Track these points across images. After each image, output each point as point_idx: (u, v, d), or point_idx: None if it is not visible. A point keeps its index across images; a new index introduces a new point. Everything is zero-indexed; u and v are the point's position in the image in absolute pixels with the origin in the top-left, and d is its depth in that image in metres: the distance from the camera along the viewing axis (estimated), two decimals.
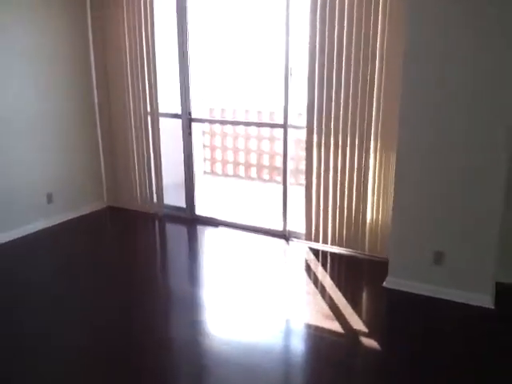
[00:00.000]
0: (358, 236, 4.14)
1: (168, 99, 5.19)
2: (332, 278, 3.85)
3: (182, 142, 5.08)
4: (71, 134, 5.04)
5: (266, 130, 7.08)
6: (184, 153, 5.09)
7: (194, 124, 5.07)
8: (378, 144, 3.89)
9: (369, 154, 3.94)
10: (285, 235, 4.61)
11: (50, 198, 4.86)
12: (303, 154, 4.35)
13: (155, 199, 5.24)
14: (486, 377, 2.66)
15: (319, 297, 3.51)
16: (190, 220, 5.15)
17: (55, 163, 4.90)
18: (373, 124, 3.86)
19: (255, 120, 6.88)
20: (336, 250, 4.27)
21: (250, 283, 3.74)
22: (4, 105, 4.35)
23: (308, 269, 4.01)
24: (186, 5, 4.69)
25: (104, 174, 5.49)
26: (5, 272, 3.96)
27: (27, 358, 2.80)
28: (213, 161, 7.71)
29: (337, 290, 3.60)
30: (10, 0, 4.28)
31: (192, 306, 3.43)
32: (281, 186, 4.63)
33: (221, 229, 4.90)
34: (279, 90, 4.35)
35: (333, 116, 3.99)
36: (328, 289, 3.63)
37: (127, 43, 4.91)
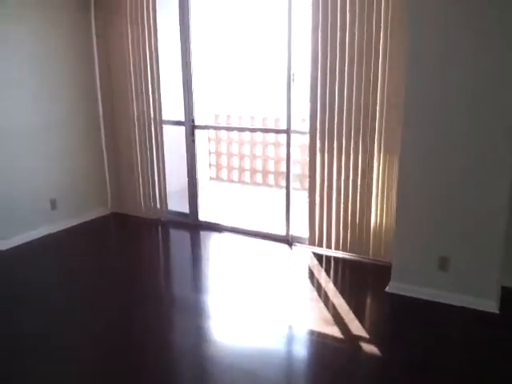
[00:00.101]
0: (362, 240, 4.11)
1: (171, 106, 5.20)
2: (335, 283, 3.81)
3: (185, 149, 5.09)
4: (75, 141, 5.07)
5: (271, 136, 7.08)
6: (187, 159, 5.10)
7: (197, 131, 5.08)
8: (382, 148, 3.86)
9: (372, 158, 3.91)
10: (288, 240, 4.59)
11: (53, 204, 4.88)
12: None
13: (159, 205, 5.24)
14: (487, 382, 2.61)
15: (322, 302, 3.48)
16: (194, 226, 5.14)
17: (59, 169, 4.92)
18: (376, 129, 3.84)
19: (260, 126, 6.88)
20: (340, 254, 4.24)
21: (252, 289, 3.72)
22: (8, 112, 4.38)
23: (311, 274, 3.98)
24: (188, 12, 4.72)
25: (108, 180, 5.51)
26: (7, 275, 3.98)
27: (27, 358, 2.81)
28: (218, 167, 7.73)
29: (339, 295, 3.56)
30: (12, 12, 4.33)
31: (195, 311, 3.42)
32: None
33: (224, 234, 4.89)
34: (283, 96, 4.35)
35: (336, 121, 3.98)
36: (331, 294, 3.59)
37: (130, 51, 4.94)
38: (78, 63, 5.01)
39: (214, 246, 4.82)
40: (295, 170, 5.83)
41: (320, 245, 4.33)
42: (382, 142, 3.84)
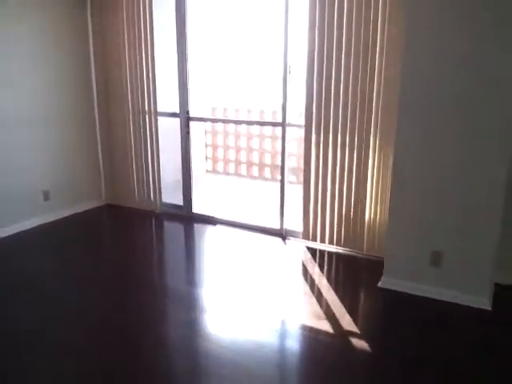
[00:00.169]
0: (356, 235, 4.09)
1: (167, 98, 5.16)
2: (328, 278, 3.80)
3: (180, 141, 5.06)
4: (69, 132, 5.04)
5: (267, 129, 7.05)
6: (182, 151, 5.07)
7: (192, 123, 5.04)
8: (377, 143, 3.83)
9: (367, 152, 3.89)
10: (282, 234, 4.57)
11: (46, 196, 4.85)
12: None
13: (153, 197, 5.22)
14: (480, 379, 2.60)
15: (314, 297, 3.46)
16: (188, 218, 5.12)
17: (53, 161, 4.89)
18: (372, 123, 3.81)
19: (257, 119, 6.85)
20: (333, 249, 4.23)
21: (245, 282, 3.70)
22: (2, 103, 4.35)
23: (304, 268, 3.96)
24: (185, 4, 4.67)
25: (102, 171, 5.48)
26: (0, 267, 3.95)
27: (23, 355, 2.79)
28: (215, 159, 7.70)
29: (332, 290, 3.55)
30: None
31: (188, 303, 3.39)
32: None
33: (218, 227, 4.87)
34: (279, 89, 4.32)
35: (331, 114, 3.95)
36: (323, 289, 3.58)
37: (126, 42, 4.91)
38: (74, 57, 4.97)
39: (208, 239, 4.79)
40: (291, 163, 5.81)
41: (314, 239, 4.32)
42: (378, 136, 3.82)
